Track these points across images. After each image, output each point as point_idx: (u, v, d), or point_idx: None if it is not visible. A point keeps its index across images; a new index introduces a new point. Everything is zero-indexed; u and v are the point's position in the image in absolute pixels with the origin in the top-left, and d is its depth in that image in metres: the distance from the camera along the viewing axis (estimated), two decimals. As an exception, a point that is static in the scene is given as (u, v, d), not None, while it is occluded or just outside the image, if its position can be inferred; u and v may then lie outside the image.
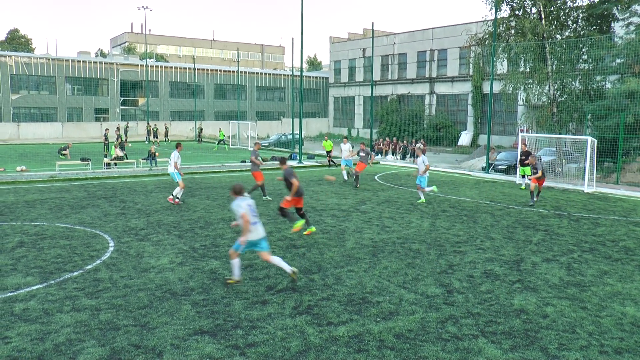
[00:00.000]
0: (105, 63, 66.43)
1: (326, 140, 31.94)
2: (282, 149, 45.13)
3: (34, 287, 9.13)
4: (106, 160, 29.21)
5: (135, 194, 19.50)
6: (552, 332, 7.57)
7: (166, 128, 54.45)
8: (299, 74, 75.70)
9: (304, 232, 13.40)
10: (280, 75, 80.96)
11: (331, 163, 31.19)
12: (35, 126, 58.04)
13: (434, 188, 19.27)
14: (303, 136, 38.19)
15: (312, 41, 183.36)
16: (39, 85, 62.39)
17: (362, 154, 22.45)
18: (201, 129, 55.51)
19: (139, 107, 68.10)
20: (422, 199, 18.69)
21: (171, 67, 71.34)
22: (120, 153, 30.15)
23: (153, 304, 8.41)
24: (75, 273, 9.97)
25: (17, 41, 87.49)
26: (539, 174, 18.65)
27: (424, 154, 19.09)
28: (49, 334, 7.28)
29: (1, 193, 19.35)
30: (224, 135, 47.31)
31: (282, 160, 14.01)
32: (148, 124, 55.20)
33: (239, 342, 7.08)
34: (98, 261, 10.75)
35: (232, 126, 54.70)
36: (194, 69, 66.86)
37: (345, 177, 24.11)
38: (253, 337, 7.26)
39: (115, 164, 28.94)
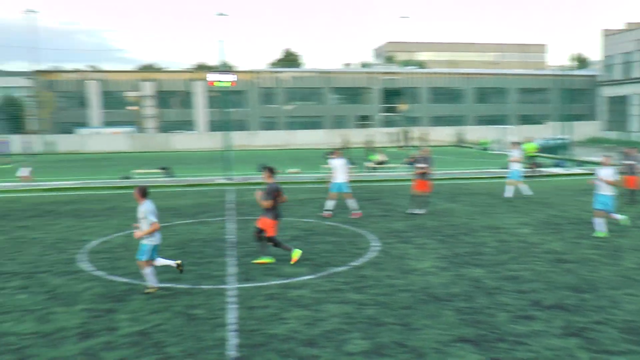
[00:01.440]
0: (367, 73, 70.38)
1: (527, 144, 28.18)
2: (548, 155, 42.04)
3: (306, 277, 9.89)
4: (369, 164, 30.78)
5: (398, 198, 20.00)
6: None
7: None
8: (563, 73, 70.07)
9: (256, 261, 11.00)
10: (543, 75, 75.86)
11: (536, 171, 26.56)
12: (304, 133, 64.25)
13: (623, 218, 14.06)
14: (570, 141, 34.98)
15: (578, 37, 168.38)
16: (308, 96, 69.12)
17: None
18: (461, 135, 56.96)
19: (400, 113, 70.43)
20: (622, 218, 13.88)
21: (430, 73, 72.22)
22: (383, 158, 31.69)
23: (415, 306, 8.39)
24: (342, 268, 10.53)
25: (289, 58, 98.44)
26: None
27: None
28: (319, 321, 7.77)
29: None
30: (487, 143, 50.08)
31: (271, 170, 11.16)
32: (406, 130, 57.31)
33: (503, 356, 6.61)
34: (363, 259, 11.20)
35: (493, 131, 53.43)
36: (453, 73, 66.63)
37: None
38: (518, 353, 6.70)
39: (374, 168, 30.36)
